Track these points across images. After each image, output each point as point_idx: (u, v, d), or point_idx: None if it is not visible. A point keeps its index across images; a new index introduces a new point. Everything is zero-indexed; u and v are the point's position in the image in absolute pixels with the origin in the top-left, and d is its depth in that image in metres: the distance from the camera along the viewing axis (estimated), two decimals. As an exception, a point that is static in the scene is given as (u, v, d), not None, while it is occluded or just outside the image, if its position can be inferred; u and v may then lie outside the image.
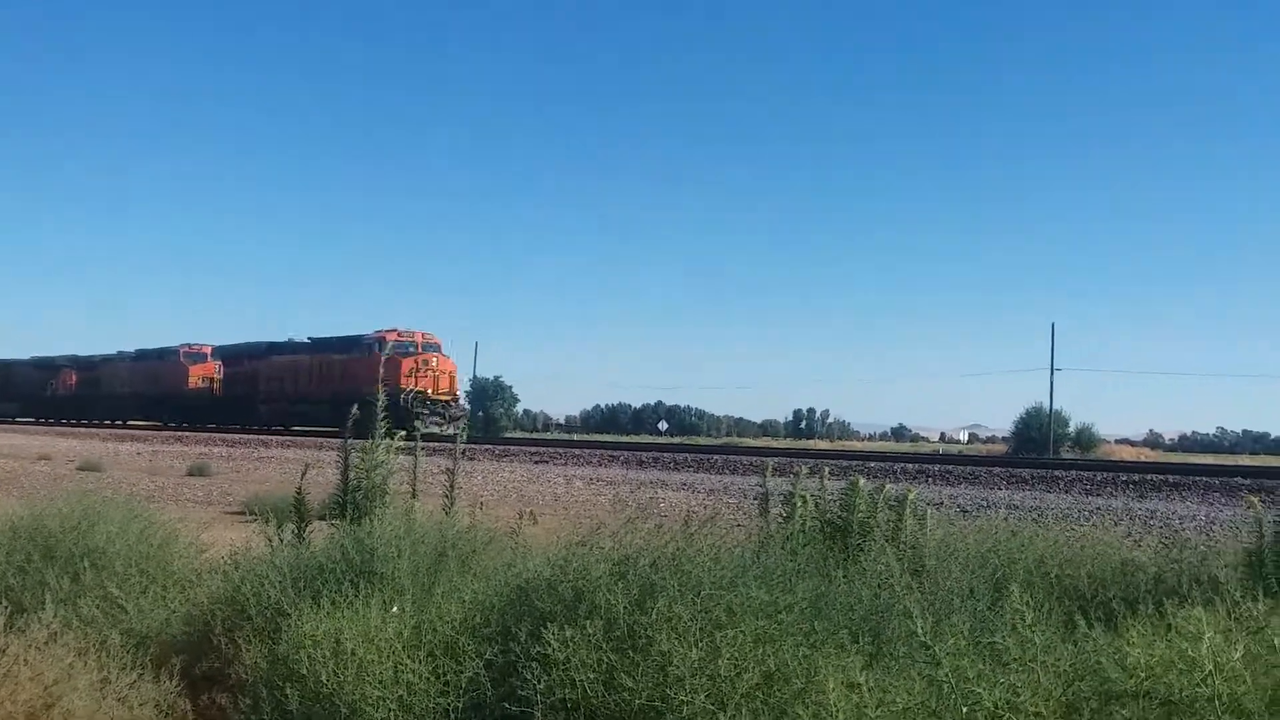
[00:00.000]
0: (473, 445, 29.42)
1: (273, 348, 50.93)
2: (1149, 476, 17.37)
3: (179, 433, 45.03)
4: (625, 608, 4.24)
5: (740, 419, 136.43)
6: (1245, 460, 34.88)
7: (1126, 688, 3.50)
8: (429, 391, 42.59)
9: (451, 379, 44.59)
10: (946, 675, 3.57)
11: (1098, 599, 5.08)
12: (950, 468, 19.99)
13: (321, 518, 6.60)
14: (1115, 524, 9.51)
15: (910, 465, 20.80)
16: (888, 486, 6.26)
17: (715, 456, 23.91)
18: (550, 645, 4.07)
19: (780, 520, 6.34)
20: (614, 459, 23.99)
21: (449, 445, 7.29)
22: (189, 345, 56.90)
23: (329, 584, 4.99)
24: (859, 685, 3.58)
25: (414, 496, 6.78)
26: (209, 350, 56.48)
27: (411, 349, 43.55)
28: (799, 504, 6.29)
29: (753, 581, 4.43)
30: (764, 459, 14.59)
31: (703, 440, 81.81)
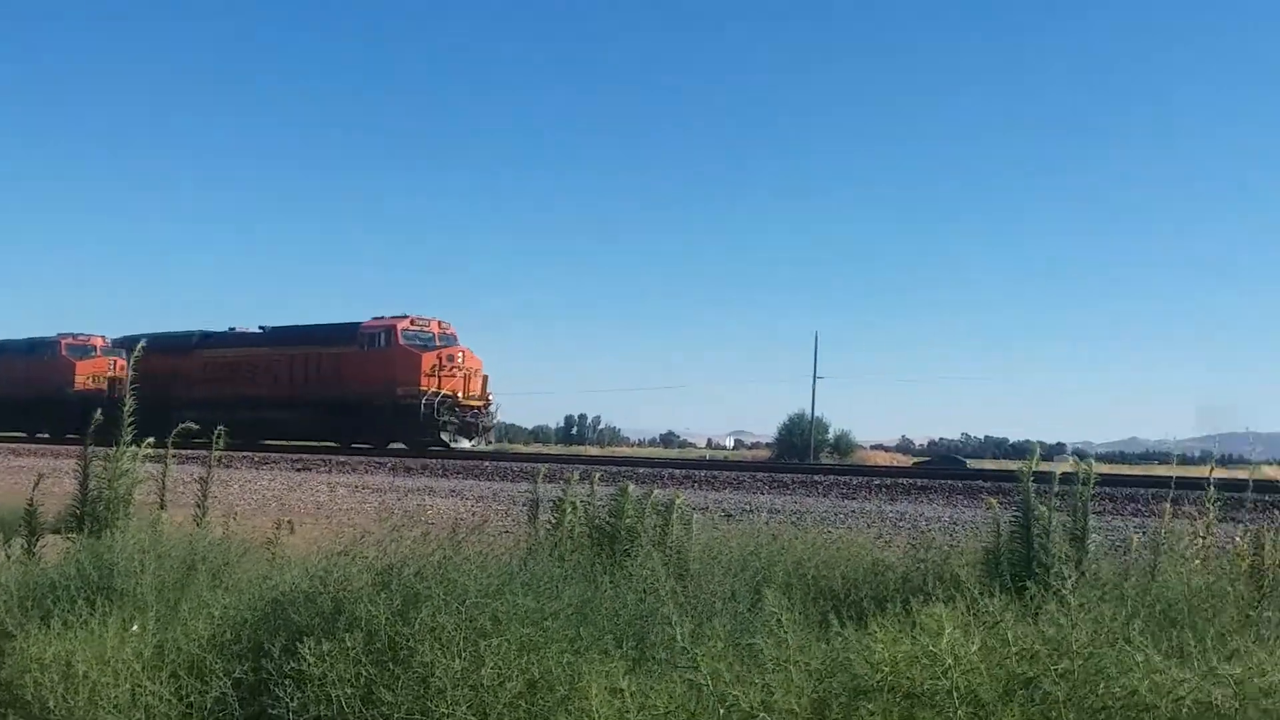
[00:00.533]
0: (230, 453, 26.77)
1: (209, 339, 39.57)
2: (900, 480, 18.35)
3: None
4: (387, 619, 4.13)
5: (511, 425, 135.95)
6: (987, 464, 37.38)
7: (873, 683, 3.65)
8: (459, 395, 32.80)
9: (484, 380, 34.45)
10: (705, 678, 3.63)
11: (850, 598, 5.29)
12: (716, 473, 20.50)
13: (56, 531, 6.13)
14: (868, 526, 9.97)
15: (678, 471, 21.22)
16: (656, 492, 6.34)
17: (485, 463, 23.70)
18: (306, 660, 3.91)
19: (549, 527, 6.32)
20: (380, 465, 23.41)
21: (203, 452, 6.89)
22: (72, 335, 44.45)
23: (61, 603, 4.62)
24: (622, 691, 3.60)
25: (162, 507, 6.39)
26: (101, 342, 44.22)
27: (430, 341, 33.95)
28: (568, 510, 6.29)
29: (519, 589, 4.40)
30: (535, 465, 14.58)
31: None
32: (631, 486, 6.26)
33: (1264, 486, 6.74)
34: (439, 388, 32.18)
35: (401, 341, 33.22)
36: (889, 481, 18.09)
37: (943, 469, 29.61)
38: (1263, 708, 3.38)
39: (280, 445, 33.43)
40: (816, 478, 19.16)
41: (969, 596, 4.31)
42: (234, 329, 39.31)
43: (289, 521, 6.91)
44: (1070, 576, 4.69)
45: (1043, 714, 3.52)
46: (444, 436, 31.98)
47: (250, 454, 26.86)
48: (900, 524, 11.02)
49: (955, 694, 3.52)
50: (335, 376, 34.18)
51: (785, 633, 3.84)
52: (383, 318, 34.18)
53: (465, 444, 32.59)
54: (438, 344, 33.62)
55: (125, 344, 41.88)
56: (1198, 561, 5.37)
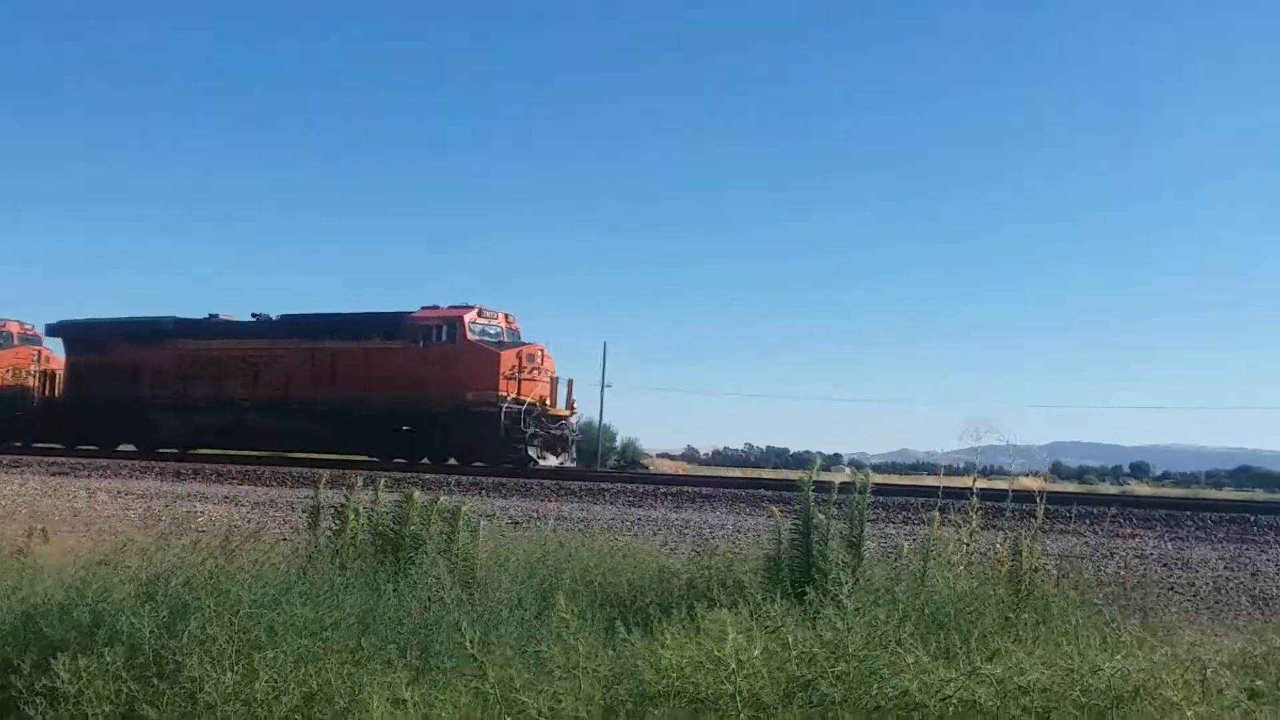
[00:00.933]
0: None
1: (184, 327, 31.12)
2: (685, 489, 18.69)
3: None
4: (152, 631, 3.91)
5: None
6: (768, 474, 38.69)
7: (660, 688, 3.68)
8: (546, 403, 26.51)
9: (569, 386, 27.78)
10: (493, 686, 3.58)
11: (637, 605, 5.33)
12: (504, 480, 20.38)
13: None
14: (655, 534, 10.09)
15: (464, 478, 20.97)
16: (442, 498, 6.24)
17: (263, 468, 22.80)
18: (60, 677, 3.65)
19: (331, 534, 6.14)
20: (147, 470, 22.17)
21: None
22: None
23: None
24: (405, 701, 3.51)
25: (-105, 512, 5.84)
26: (18, 328, 34.48)
27: (499, 337, 27.22)
28: (351, 517, 6.12)
29: (297, 598, 4.25)
30: (317, 471, 14.11)
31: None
32: (417, 493, 6.14)
33: (1022, 496, 7.18)
34: (519, 393, 26.04)
35: (470, 337, 26.66)
36: (675, 489, 18.41)
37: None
38: (1021, 704, 3.58)
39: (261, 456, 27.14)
40: (604, 485, 19.31)
41: (752, 602, 4.42)
42: (216, 316, 31.73)
43: (42, 529, 6.45)
44: (847, 582, 4.86)
45: (820, 715, 3.63)
46: (531, 452, 26.08)
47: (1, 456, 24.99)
48: (685, 531, 11.21)
49: (738, 698, 3.59)
50: (374, 377, 27.63)
51: (574, 639, 3.82)
52: (437, 307, 27.60)
53: (552, 461, 26.72)
54: (507, 340, 27.27)
55: (63, 331, 33.82)
56: (962, 567, 5.67)
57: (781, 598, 4.65)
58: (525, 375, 26.28)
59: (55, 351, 34.34)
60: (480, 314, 27.21)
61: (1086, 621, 4.84)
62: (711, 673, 3.69)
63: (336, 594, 4.49)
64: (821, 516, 5.48)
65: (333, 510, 6.27)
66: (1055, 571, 5.85)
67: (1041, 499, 6.28)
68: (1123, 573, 8.34)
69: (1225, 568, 9.51)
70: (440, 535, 5.95)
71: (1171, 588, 8.11)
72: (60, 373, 33.31)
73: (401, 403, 26.96)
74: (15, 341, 34.27)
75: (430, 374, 26.52)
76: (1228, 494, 33.23)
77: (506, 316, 27.95)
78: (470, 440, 26.46)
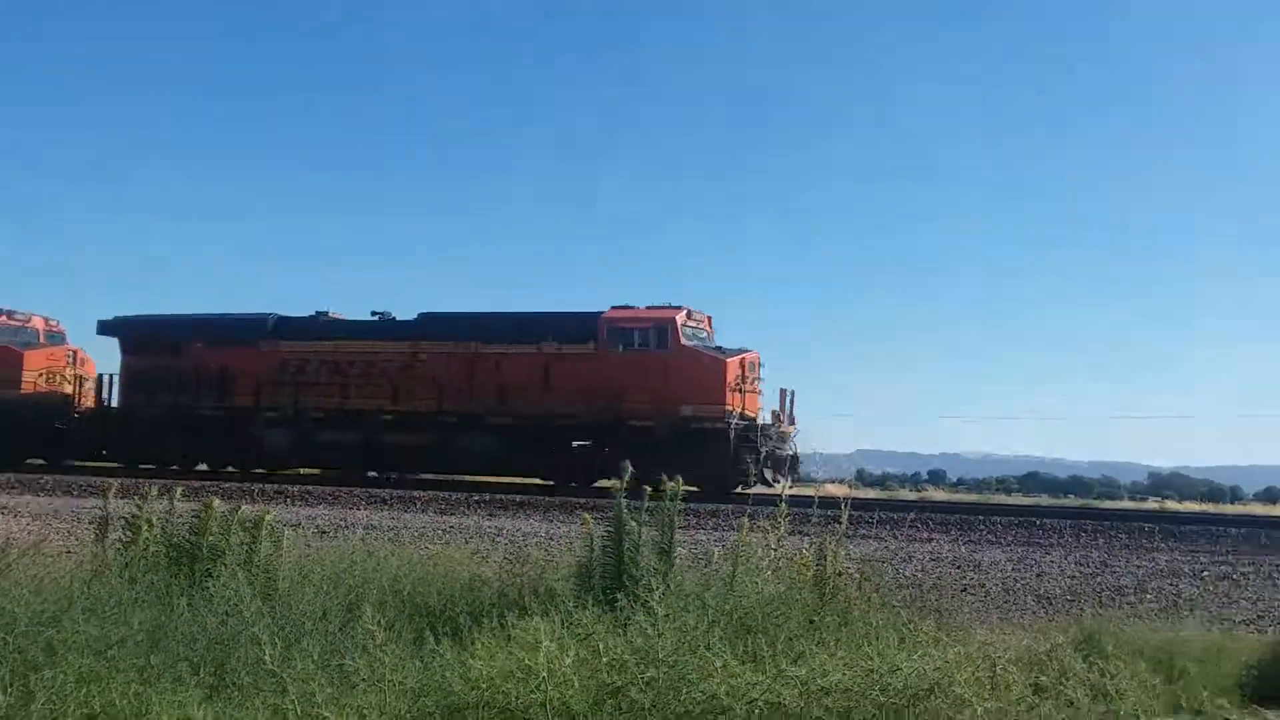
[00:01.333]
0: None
1: (289, 325, 26.06)
2: (499, 496, 18.58)
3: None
4: (-87, 654, 3.60)
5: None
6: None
7: (470, 699, 3.62)
8: (779, 418, 22.69)
9: (792, 398, 23.34)
10: (293, 701, 3.45)
11: (447, 614, 5.24)
12: (310, 488, 19.77)
13: None
14: (466, 541, 9.97)
15: (269, 486, 20.27)
16: (244, 508, 5.99)
17: (46, 477, 21.49)
18: None
19: (121, 546, 5.81)
20: (-83, 479, 20.60)
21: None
22: (5, 313, 28.02)
23: None
24: (197, 721, 3.35)
25: None
26: (44, 324, 28.54)
27: (705, 342, 23.26)
28: (144, 527, 5.82)
29: (80, 615, 4.01)
30: (107, 480, 13.36)
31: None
32: (217, 501, 5.88)
33: (827, 503, 7.43)
34: (745, 406, 22.39)
35: (684, 342, 22.71)
36: (488, 497, 18.27)
37: None
38: (824, 705, 3.68)
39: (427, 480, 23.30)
40: (415, 493, 18.99)
41: (564, 610, 4.40)
42: (325, 313, 26.40)
43: None
44: (658, 588, 4.90)
45: (630, 722, 3.64)
46: (767, 474, 22.09)
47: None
48: (498, 539, 11.13)
49: (548, 707, 3.56)
50: (556, 388, 23.45)
51: (380, 651, 3.73)
52: (633, 307, 23.59)
53: (780, 484, 22.39)
54: (723, 348, 23.36)
55: (122, 329, 27.76)
56: (770, 572, 5.79)
57: (594, 605, 4.65)
58: (749, 387, 22.86)
59: (88, 352, 28.97)
60: (690, 316, 23.38)
61: (886, 623, 5.01)
62: (522, 682, 3.66)
63: (124, 609, 4.25)
64: (633, 523, 5.51)
65: (123, 521, 5.95)
66: (858, 575, 6.05)
67: (846, 505, 6.49)
68: (920, 575, 8.72)
69: (1013, 569, 10.05)
70: (241, 546, 5.71)
71: (965, 589, 8.51)
72: (111, 378, 27.63)
73: (590, 416, 23.15)
74: (41, 340, 28.66)
75: (632, 384, 22.68)
76: (1016, 499, 35.12)
77: (709, 320, 24.29)
78: (686, 461, 19.91)
